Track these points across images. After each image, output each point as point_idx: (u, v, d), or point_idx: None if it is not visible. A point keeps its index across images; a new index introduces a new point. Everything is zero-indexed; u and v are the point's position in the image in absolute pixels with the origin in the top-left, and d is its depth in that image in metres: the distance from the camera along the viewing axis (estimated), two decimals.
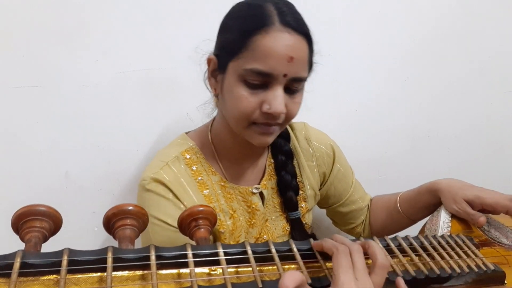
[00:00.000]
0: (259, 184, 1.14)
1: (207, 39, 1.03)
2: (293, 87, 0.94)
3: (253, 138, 0.98)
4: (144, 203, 1.01)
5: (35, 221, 0.57)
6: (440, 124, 1.73)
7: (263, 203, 1.13)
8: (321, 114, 1.53)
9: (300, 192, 1.19)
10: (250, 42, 0.89)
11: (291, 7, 0.94)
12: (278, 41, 0.88)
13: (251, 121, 0.95)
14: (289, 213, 1.16)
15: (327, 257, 0.69)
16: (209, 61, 1.01)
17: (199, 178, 1.06)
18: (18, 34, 1.17)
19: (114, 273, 0.56)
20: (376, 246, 0.67)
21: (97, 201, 1.31)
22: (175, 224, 0.96)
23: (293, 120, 1.22)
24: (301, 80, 0.94)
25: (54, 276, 0.53)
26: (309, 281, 0.64)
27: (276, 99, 0.90)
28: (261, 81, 0.90)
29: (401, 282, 0.69)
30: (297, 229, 1.18)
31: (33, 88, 1.20)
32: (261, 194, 1.13)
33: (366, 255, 0.66)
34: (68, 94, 1.23)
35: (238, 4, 0.98)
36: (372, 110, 1.62)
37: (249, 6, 0.95)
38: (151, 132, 1.33)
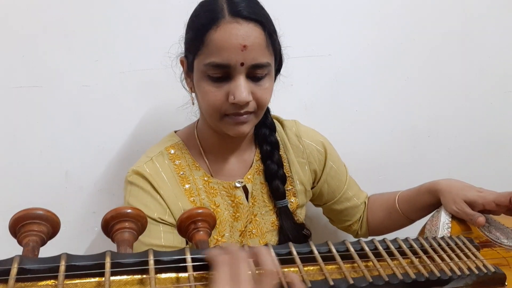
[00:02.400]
0: (243, 178, 1.15)
1: (175, 43, 1.06)
2: (256, 74, 0.96)
3: (229, 130, 1.01)
4: (126, 194, 1.06)
5: (33, 225, 0.57)
6: (440, 124, 1.73)
7: (247, 197, 1.14)
8: (321, 114, 1.54)
9: (290, 187, 1.20)
10: (205, 38, 0.92)
11: None
12: (229, 32, 0.91)
13: (222, 113, 0.98)
14: (276, 202, 1.17)
15: (325, 259, 0.70)
16: (181, 62, 1.06)
17: (181, 173, 1.09)
18: (18, 34, 1.17)
19: (113, 278, 0.56)
20: (264, 253, 0.62)
21: (97, 201, 1.32)
22: (152, 215, 1.00)
23: (286, 118, 1.24)
24: (262, 66, 0.96)
25: (52, 281, 0.53)
26: (309, 285, 0.64)
27: (238, 88, 0.93)
28: (222, 74, 0.94)
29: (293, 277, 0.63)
30: (286, 219, 1.18)
31: (33, 88, 1.21)
32: (245, 188, 1.14)
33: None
34: (68, 94, 1.24)
35: (197, 5, 1.01)
36: (372, 110, 1.61)
37: (202, 4, 0.99)
38: (151, 132, 1.33)
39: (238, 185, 1.13)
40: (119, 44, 1.26)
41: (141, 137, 1.32)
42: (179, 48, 1.07)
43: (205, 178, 1.11)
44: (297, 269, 0.67)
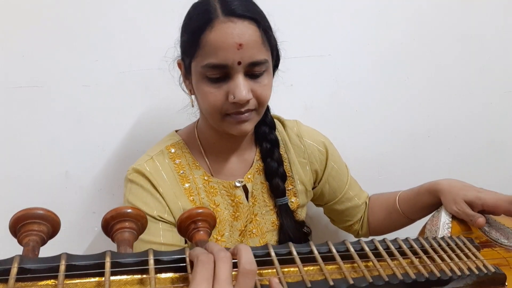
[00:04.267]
0: (243, 177, 1.15)
1: (172, 46, 1.07)
2: (254, 71, 0.96)
3: (231, 129, 1.01)
4: (125, 192, 1.06)
5: (33, 225, 0.57)
6: (440, 124, 1.73)
7: (247, 197, 1.14)
8: (321, 114, 1.54)
9: (290, 186, 1.20)
10: (200, 40, 0.92)
11: None
12: (224, 32, 0.90)
13: (223, 113, 0.98)
14: (277, 200, 1.17)
15: (325, 259, 0.70)
16: (179, 65, 1.07)
17: (181, 172, 1.09)
18: (18, 34, 1.17)
19: (113, 278, 0.56)
20: (243, 250, 0.59)
21: (97, 201, 1.32)
22: (151, 213, 1.01)
23: (287, 118, 1.24)
24: (260, 63, 0.95)
25: (52, 281, 0.53)
26: (309, 285, 0.64)
27: (238, 87, 0.93)
28: (220, 74, 0.94)
29: (273, 281, 0.62)
30: (286, 217, 1.18)
31: (33, 88, 1.20)
32: (245, 187, 1.15)
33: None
34: (68, 94, 1.24)
35: (191, 6, 1.01)
36: (372, 110, 1.61)
37: (195, 5, 0.99)
38: (151, 132, 1.33)
39: (238, 184, 1.13)
40: (119, 44, 1.26)
41: (141, 137, 1.32)
42: (175, 51, 1.07)
43: (205, 178, 1.11)
44: (297, 269, 0.67)
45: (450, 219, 1.06)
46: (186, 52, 0.99)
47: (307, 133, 1.24)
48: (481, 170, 1.81)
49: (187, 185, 1.09)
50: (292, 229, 1.17)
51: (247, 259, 0.57)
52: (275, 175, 1.16)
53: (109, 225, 0.63)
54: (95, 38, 1.24)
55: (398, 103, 1.65)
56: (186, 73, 1.03)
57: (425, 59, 1.65)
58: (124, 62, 1.28)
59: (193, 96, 1.08)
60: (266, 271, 0.66)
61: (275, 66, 1.08)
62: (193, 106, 1.10)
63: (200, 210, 0.69)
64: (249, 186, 1.15)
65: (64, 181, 1.27)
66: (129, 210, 0.64)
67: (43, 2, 1.18)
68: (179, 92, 1.25)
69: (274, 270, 0.65)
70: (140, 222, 0.65)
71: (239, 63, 0.92)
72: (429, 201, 1.15)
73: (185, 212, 0.69)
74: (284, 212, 1.18)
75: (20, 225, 0.57)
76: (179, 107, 1.23)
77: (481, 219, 1.00)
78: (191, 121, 1.19)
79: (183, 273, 0.60)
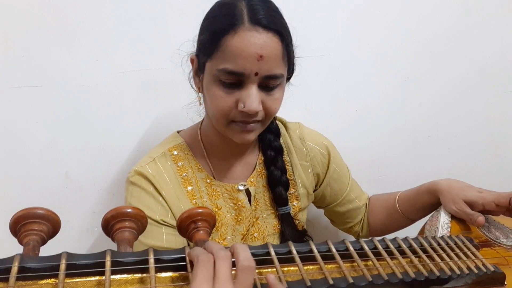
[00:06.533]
0: (246, 181, 1.14)
1: (187, 41, 1.05)
2: (269, 84, 0.95)
3: (234, 136, 1.00)
4: (127, 194, 1.06)
5: (33, 224, 0.57)
6: (440, 124, 1.73)
7: (250, 200, 1.14)
8: (321, 114, 1.54)
9: (292, 190, 1.19)
10: (221, 42, 0.91)
11: (265, 3, 0.95)
12: (247, 40, 0.89)
13: (230, 119, 0.97)
14: (279, 208, 1.16)
15: (324, 258, 0.70)
16: (192, 61, 1.04)
17: (184, 175, 1.08)
18: (18, 34, 1.17)
19: (113, 277, 0.56)
20: (240, 248, 0.61)
21: (97, 201, 1.32)
22: (154, 217, 1.00)
23: (289, 120, 1.24)
24: (276, 77, 0.94)
25: (53, 280, 0.53)
26: (309, 284, 0.64)
27: (250, 97, 0.92)
28: (235, 80, 0.92)
29: (270, 277, 0.60)
30: (287, 225, 1.18)
31: (33, 88, 1.21)
32: (247, 191, 1.14)
33: None
34: (68, 94, 1.24)
35: (214, 4, 0.99)
36: (372, 110, 1.61)
37: (221, 6, 0.97)
38: (151, 132, 1.33)
39: (241, 188, 1.12)
40: (119, 44, 1.26)
41: (141, 137, 1.32)
42: (186, 46, 1.06)
43: (208, 181, 1.10)
44: (297, 268, 0.67)
45: (449, 219, 1.06)
46: (203, 51, 0.97)
47: (310, 136, 1.24)
48: (481, 170, 1.81)
49: (189, 188, 1.08)
50: (293, 238, 1.16)
51: (245, 256, 0.58)
52: (278, 183, 1.15)
53: (109, 225, 0.64)
54: (95, 38, 1.24)
55: (398, 103, 1.65)
56: (198, 71, 1.01)
57: (425, 59, 1.65)
58: (124, 62, 1.27)
59: (200, 94, 1.06)
60: (266, 270, 0.66)
61: (288, 79, 1.07)
62: (200, 104, 1.08)
63: (200, 210, 0.69)
64: (251, 189, 1.14)
65: (64, 181, 1.27)
66: (129, 210, 0.64)
67: (43, 2, 1.18)
68: (179, 92, 1.26)
69: (274, 269, 0.66)
70: (140, 221, 0.65)
71: (256, 74, 0.91)
72: (428, 201, 1.15)
73: (185, 211, 0.69)
74: (285, 221, 1.18)
75: (20, 224, 0.57)
76: (179, 107, 1.23)
77: (481, 218, 1.00)
78: (192, 121, 1.19)
79: (183, 272, 0.60)
